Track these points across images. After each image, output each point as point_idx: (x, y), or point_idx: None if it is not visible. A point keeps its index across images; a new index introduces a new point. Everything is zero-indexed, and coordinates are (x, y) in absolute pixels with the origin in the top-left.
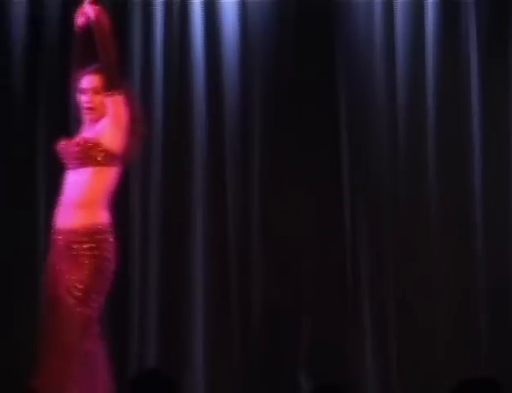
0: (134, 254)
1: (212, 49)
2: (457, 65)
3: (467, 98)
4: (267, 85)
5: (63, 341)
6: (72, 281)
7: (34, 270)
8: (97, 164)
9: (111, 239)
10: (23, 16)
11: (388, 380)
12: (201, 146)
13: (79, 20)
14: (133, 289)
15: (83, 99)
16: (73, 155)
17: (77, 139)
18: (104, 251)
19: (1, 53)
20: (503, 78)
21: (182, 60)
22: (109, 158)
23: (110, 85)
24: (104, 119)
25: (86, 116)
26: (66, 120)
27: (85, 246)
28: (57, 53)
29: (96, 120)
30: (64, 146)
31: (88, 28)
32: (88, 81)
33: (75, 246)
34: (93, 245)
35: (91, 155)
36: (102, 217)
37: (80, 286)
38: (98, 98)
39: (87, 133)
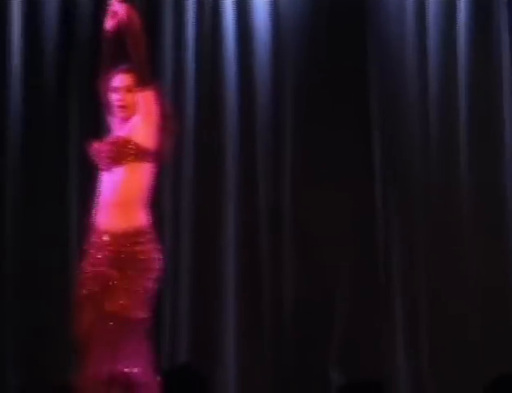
0: (166, 250)
1: (244, 44)
2: (489, 57)
3: (498, 90)
4: (298, 79)
5: (109, 342)
6: (120, 284)
7: (66, 268)
8: (130, 161)
9: (153, 239)
10: (55, 15)
11: (420, 376)
12: (233, 141)
13: (110, 20)
14: (165, 286)
15: (115, 97)
16: (105, 154)
17: (108, 139)
18: (148, 252)
19: (33, 51)
20: None
21: (214, 56)
22: (142, 155)
23: (141, 82)
24: (135, 117)
25: (117, 114)
26: (98, 117)
27: (129, 249)
28: (89, 51)
29: (128, 119)
30: (96, 147)
31: (119, 27)
32: (120, 80)
33: (120, 249)
34: (137, 247)
35: (123, 154)
36: (142, 218)
37: (129, 289)
38: (130, 96)
39: (119, 131)
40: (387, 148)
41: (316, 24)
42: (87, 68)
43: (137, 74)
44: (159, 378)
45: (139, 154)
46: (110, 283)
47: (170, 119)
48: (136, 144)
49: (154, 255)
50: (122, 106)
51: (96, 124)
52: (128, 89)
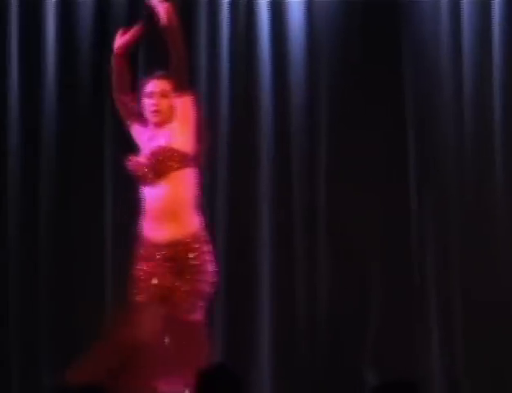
0: None
1: (278, 45)
2: None
3: None
4: (333, 80)
5: (168, 347)
6: (177, 289)
7: (101, 269)
8: (176, 170)
9: (207, 243)
10: (89, 14)
11: (455, 376)
12: (267, 142)
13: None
14: None
15: (149, 102)
16: (150, 167)
17: (149, 152)
18: (203, 257)
19: (68, 51)
20: None
21: (248, 56)
22: (185, 161)
23: (180, 87)
24: (173, 123)
25: (151, 120)
26: None
27: (185, 256)
28: None
29: (162, 124)
30: (136, 161)
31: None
32: (155, 85)
33: (176, 257)
34: (193, 253)
35: (168, 164)
36: (195, 224)
37: (187, 296)
38: (165, 102)
39: (157, 139)
40: (421, 148)
41: (351, 24)
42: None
43: (176, 79)
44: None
45: (183, 160)
46: (167, 290)
47: (205, 123)
48: (178, 151)
49: (208, 259)
50: (156, 111)
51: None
52: (163, 94)
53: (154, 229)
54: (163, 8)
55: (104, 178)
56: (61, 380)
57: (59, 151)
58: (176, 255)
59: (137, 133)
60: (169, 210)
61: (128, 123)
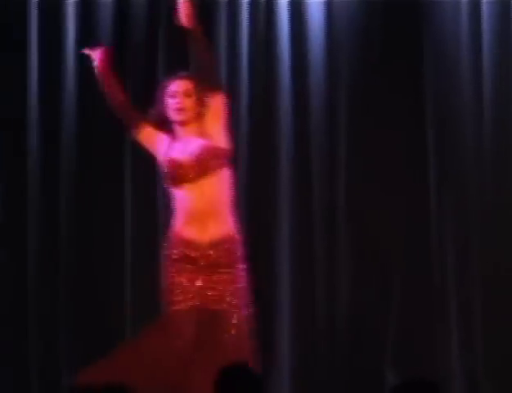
0: None
1: (298, 45)
2: None
3: None
4: (353, 80)
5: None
6: (219, 287)
7: (121, 269)
8: (217, 168)
9: (242, 244)
10: (109, 15)
11: (475, 378)
12: (287, 142)
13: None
14: None
15: (173, 101)
16: (192, 167)
17: (193, 152)
18: (238, 258)
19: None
20: None
21: (268, 57)
22: (225, 160)
23: (210, 85)
24: (208, 122)
25: (176, 118)
26: None
27: (224, 255)
28: (143, 51)
29: (186, 123)
30: (177, 161)
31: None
32: (178, 84)
33: (217, 257)
34: (232, 253)
35: (212, 163)
36: (232, 224)
37: (227, 298)
38: (189, 101)
39: (192, 139)
40: (441, 148)
41: (371, 24)
42: (142, 68)
43: (203, 78)
44: None
45: (224, 159)
46: (210, 292)
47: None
48: (221, 149)
49: (242, 259)
50: (180, 109)
51: None
52: (186, 93)
53: (194, 230)
54: (184, 7)
55: (124, 179)
56: (80, 380)
57: (78, 152)
58: (215, 254)
59: (152, 136)
60: (211, 209)
61: (136, 128)
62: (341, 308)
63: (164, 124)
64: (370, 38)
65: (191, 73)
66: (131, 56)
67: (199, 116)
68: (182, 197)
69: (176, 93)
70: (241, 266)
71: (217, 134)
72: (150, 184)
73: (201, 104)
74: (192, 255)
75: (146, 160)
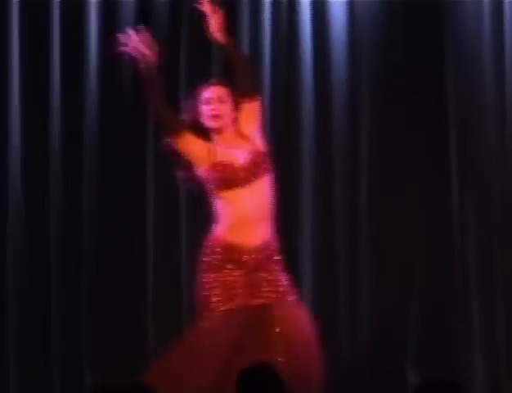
0: None
1: (320, 45)
2: None
3: None
4: (375, 79)
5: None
6: (262, 296)
7: (143, 269)
8: (265, 173)
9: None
10: (131, 15)
11: (498, 377)
12: (309, 141)
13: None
14: None
15: (208, 108)
16: (245, 170)
17: (243, 156)
18: (278, 260)
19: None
20: None
21: (290, 56)
22: (269, 165)
23: (248, 91)
24: (244, 127)
25: (211, 125)
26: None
27: (269, 261)
28: (166, 51)
29: (222, 129)
30: (229, 165)
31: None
32: (212, 91)
33: (259, 262)
34: (276, 256)
35: (262, 167)
36: (271, 229)
37: (272, 300)
38: (223, 107)
39: (236, 145)
40: (463, 148)
41: (393, 24)
42: (165, 69)
43: (241, 85)
44: None
45: (269, 165)
46: (254, 295)
47: None
48: (267, 154)
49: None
50: (216, 116)
51: None
52: (221, 100)
53: (240, 234)
54: (216, 22)
55: (146, 179)
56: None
57: (101, 152)
58: (260, 258)
59: (192, 143)
60: (258, 213)
61: (175, 135)
62: (363, 307)
63: (199, 131)
64: (392, 38)
65: (229, 80)
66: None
67: (234, 122)
68: (230, 201)
69: (210, 100)
70: (281, 269)
71: (254, 139)
72: (173, 184)
73: (236, 109)
74: (236, 258)
75: (168, 159)
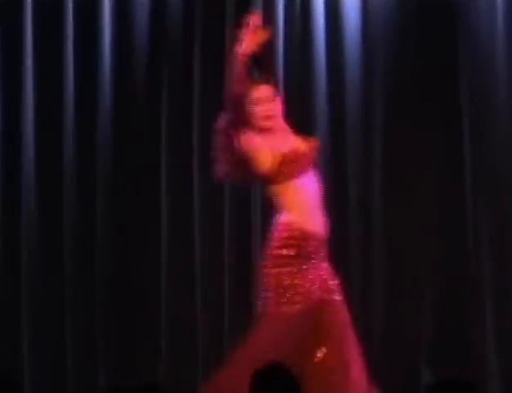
0: (256, 245)
1: (333, 44)
2: None
3: None
4: (388, 79)
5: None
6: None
7: (157, 269)
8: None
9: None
10: (146, 14)
11: None
12: (323, 141)
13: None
14: (255, 280)
15: (261, 108)
16: (311, 157)
17: (299, 145)
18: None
19: (124, 51)
20: None
21: (304, 56)
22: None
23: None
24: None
25: (265, 125)
26: (188, 120)
27: (324, 251)
28: (180, 51)
29: (273, 128)
30: (300, 151)
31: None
32: (262, 90)
33: (321, 251)
34: (326, 248)
35: (313, 156)
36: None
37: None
38: (274, 106)
39: (288, 141)
40: (477, 147)
41: (407, 23)
42: (179, 69)
43: (274, 84)
44: None
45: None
46: (321, 287)
47: None
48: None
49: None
50: (269, 116)
51: (187, 127)
52: (270, 99)
53: (312, 222)
54: (258, 37)
55: (160, 179)
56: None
57: (115, 152)
58: (323, 248)
59: (254, 139)
60: (317, 201)
61: (243, 129)
62: (376, 307)
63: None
64: (405, 37)
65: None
66: (167, 55)
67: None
68: (299, 190)
69: (262, 100)
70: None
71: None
72: (186, 184)
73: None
74: (309, 249)
75: (182, 159)
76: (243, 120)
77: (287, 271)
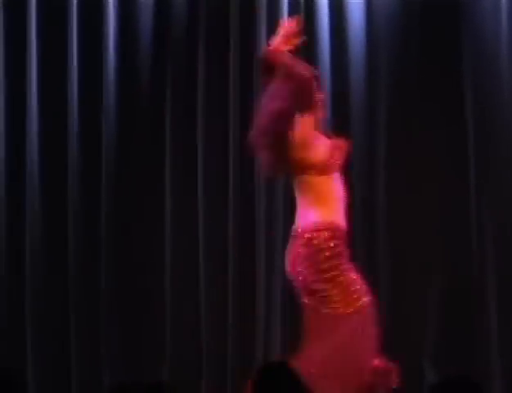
0: (260, 245)
1: (337, 44)
2: None
3: None
4: (392, 79)
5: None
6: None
7: (161, 270)
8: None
9: None
10: (150, 15)
11: None
12: None
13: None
14: (259, 280)
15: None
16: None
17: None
18: None
19: (128, 52)
20: None
21: (308, 55)
22: None
23: None
24: None
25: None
26: (193, 120)
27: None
28: (183, 51)
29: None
30: (342, 147)
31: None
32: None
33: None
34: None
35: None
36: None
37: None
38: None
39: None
40: (481, 147)
41: (410, 23)
42: (183, 69)
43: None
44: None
45: None
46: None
47: None
48: None
49: None
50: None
51: (191, 128)
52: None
53: (344, 221)
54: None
55: (164, 180)
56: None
57: (119, 153)
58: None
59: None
60: (344, 198)
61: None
62: (380, 307)
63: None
64: (409, 37)
65: None
66: (171, 55)
67: None
68: (335, 185)
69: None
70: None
71: None
72: (190, 184)
73: None
74: (345, 246)
75: (186, 159)
76: (305, 105)
77: (343, 268)
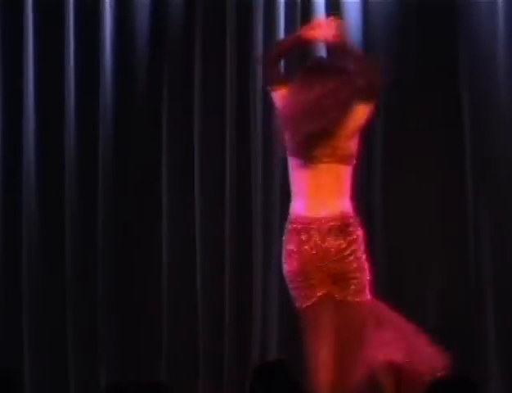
0: (257, 245)
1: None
2: None
3: None
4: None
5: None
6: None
7: (159, 269)
8: None
9: None
10: (146, 14)
11: None
12: None
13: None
14: (255, 280)
15: None
16: None
17: None
18: None
19: (125, 51)
20: None
21: (305, 56)
22: None
23: None
24: None
25: None
26: (189, 121)
27: None
28: (180, 51)
29: None
30: None
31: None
32: None
33: None
34: None
35: None
36: None
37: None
38: None
39: None
40: (478, 148)
41: (407, 24)
42: (180, 68)
43: None
44: None
45: None
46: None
47: None
48: None
49: None
50: None
51: (188, 127)
52: None
53: None
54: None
55: (161, 180)
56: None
57: (116, 153)
58: None
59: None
60: None
61: None
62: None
63: None
64: (406, 39)
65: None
66: (167, 54)
67: None
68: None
69: None
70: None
71: None
72: (187, 184)
73: None
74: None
75: (183, 159)
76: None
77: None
